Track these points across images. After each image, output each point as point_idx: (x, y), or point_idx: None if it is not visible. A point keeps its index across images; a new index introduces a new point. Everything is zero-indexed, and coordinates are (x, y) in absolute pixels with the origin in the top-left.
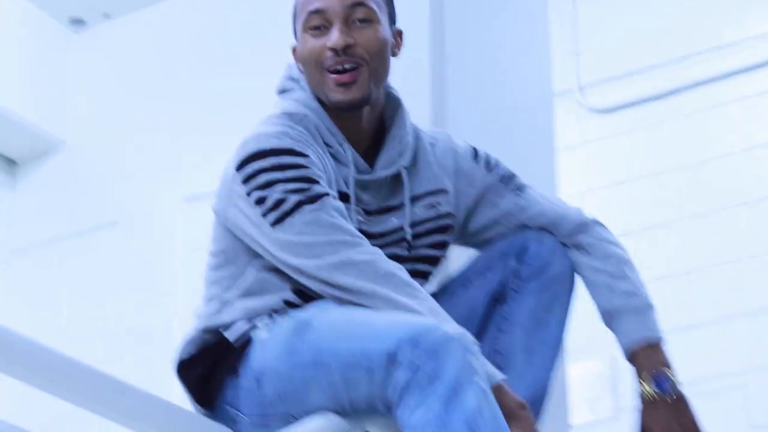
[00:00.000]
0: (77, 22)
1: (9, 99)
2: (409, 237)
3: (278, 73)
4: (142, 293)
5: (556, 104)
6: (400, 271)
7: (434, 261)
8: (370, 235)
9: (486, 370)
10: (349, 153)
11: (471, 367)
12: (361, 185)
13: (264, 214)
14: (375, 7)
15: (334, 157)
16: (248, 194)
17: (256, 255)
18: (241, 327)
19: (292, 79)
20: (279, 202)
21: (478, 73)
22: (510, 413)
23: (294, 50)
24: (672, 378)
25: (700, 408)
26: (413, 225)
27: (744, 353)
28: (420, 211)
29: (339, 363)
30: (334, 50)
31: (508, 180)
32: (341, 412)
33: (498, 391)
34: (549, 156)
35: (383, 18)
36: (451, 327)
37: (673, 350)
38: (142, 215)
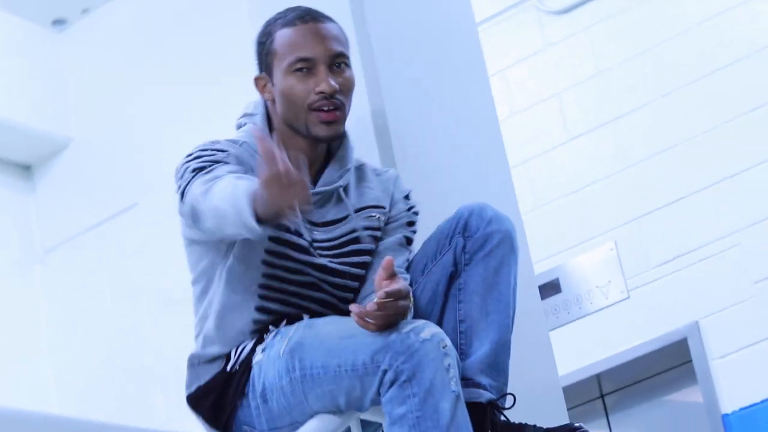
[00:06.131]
0: (59, 22)
1: (10, 108)
2: (361, 235)
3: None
4: (174, 264)
5: (517, 13)
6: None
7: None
8: (319, 241)
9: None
10: None
11: (445, 370)
12: None
13: (179, 200)
14: (349, 54)
15: None
16: (178, 188)
17: (219, 272)
18: (234, 356)
19: (246, 115)
20: (187, 182)
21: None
22: None
23: (258, 79)
24: None
25: (702, 272)
26: (354, 231)
27: (732, 215)
28: (360, 220)
29: (332, 375)
30: (322, 93)
31: (410, 225)
32: (338, 411)
33: None
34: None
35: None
36: (424, 329)
37: (667, 224)
38: (159, 192)
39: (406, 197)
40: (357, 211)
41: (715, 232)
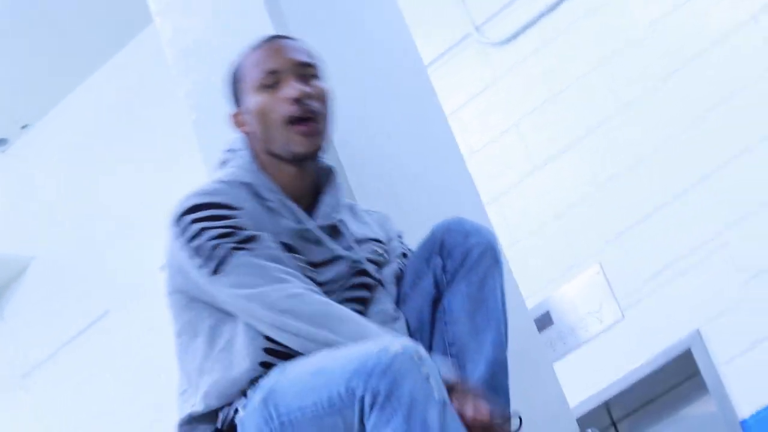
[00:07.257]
0: (0, 142)
1: None
2: (366, 268)
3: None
4: (159, 363)
5: (460, 51)
6: (327, 306)
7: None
8: (319, 284)
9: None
10: (289, 205)
11: (425, 380)
12: (302, 236)
13: (201, 266)
14: (320, 67)
15: (272, 210)
16: (185, 245)
17: (216, 322)
18: (221, 415)
19: (230, 150)
20: (214, 248)
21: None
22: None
23: (235, 116)
24: None
25: (694, 278)
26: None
27: (713, 215)
28: (365, 253)
29: (310, 417)
30: (292, 99)
31: (404, 256)
32: None
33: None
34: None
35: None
36: (393, 343)
37: (649, 237)
38: (129, 295)
39: (399, 237)
40: (357, 242)
41: (700, 235)
